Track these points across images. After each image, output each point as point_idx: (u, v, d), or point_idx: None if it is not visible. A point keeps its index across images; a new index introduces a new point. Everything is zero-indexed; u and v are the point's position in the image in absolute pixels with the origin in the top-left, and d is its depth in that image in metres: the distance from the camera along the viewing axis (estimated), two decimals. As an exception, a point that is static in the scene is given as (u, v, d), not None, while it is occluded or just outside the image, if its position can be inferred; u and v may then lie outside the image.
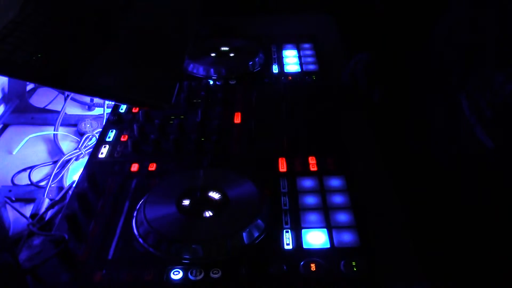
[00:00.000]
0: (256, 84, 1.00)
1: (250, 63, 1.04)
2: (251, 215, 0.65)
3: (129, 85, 0.77)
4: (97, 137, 0.88)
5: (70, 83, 0.74)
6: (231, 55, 1.08)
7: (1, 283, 0.52)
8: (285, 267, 0.60)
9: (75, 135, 1.01)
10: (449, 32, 0.88)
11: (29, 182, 0.88)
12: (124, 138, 0.85)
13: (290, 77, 1.02)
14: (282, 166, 0.76)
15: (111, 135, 0.86)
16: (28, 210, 0.82)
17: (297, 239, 0.64)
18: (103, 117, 1.03)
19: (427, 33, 0.94)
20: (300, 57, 1.09)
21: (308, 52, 1.11)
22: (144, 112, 0.89)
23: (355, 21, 1.19)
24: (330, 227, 0.65)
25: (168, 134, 0.84)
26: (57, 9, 0.88)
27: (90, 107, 1.11)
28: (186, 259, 0.61)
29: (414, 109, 0.94)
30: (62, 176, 0.89)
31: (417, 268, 0.60)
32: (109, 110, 0.98)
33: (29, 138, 1.00)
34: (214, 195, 0.69)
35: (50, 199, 0.83)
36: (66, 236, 0.64)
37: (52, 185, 0.86)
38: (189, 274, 0.59)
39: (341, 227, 0.65)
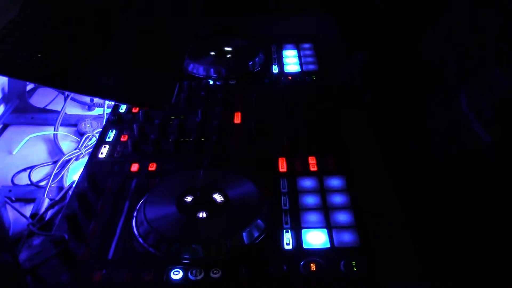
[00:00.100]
0: (256, 84, 1.00)
1: (250, 63, 1.04)
2: (251, 215, 0.65)
3: (129, 85, 0.77)
4: (97, 137, 0.88)
5: (70, 83, 0.74)
6: (231, 55, 1.08)
7: (1, 283, 0.52)
8: (285, 267, 0.60)
9: (75, 135, 1.01)
10: (449, 32, 0.88)
11: (29, 182, 0.89)
12: (124, 138, 0.85)
13: (290, 77, 1.02)
14: (282, 166, 0.76)
15: (111, 135, 0.86)
16: (28, 210, 0.82)
17: (297, 239, 0.64)
18: (103, 117, 1.03)
19: (427, 33, 0.94)
20: (300, 57, 1.09)
21: (308, 52, 1.11)
22: (144, 112, 0.89)
23: (355, 21, 1.19)
24: (330, 227, 0.65)
25: (168, 134, 0.84)
26: (57, 9, 0.88)
27: (90, 107, 1.11)
28: (186, 259, 0.61)
29: (413, 108, 0.94)
30: (62, 176, 0.89)
31: (417, 268, 0.61)
32: (109, 110, 0.98)
33: (29, 138, 1.00)
34: (214, 195, 0.69)
35: (50, 199, 0.83)
36: (66, 236, 0.64)
37: (52, 185, 0.86)
38: (189, 274, 0.59)
39: (341, 227, 0.65)
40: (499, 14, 0.76)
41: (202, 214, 0.66)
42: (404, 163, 0.84)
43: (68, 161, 0.92)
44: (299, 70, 1.04)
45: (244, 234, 0.63)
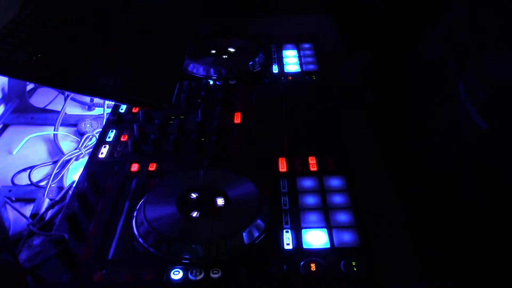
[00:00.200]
0: (256, 84, 1.00)
1: (250, 63, 1.04)
2: (251, 215, 0.65)
3: (129, 85, 0.77)
4: (97, 137, 0.88)
5: (70, 83, 0.74)
6: (231, 55, 1.08)
7: (1, 283, 0.52)
8: (285, 267, 0.60)
9: (75, 135, 1.01)
10: (449, 32, 0.88)
11: (29, 182, 0.89)
12: (124, 138, 0.85)
13: (290, 77, 1.02)
14: (282, 166, 0.76)
15: (111, 135, 0.86)
16: (28, 210, 0.82)
17: (297, 239, 0.64)
18: (103, 117, 1.03)
19: (427, 33, 0.94)
20: (300, 57, 1.09)
21: (308, 52, 1.11)
22: (144, 112, 0.89)
23: (355, 21, 1.19)
24: (330, 227, 0.65)
25: (168, 134, 0.84)
26: (57, 9, 0.88)
27: (90, 107, 1.11)
28: (186, 259, 0.61)
29: (413, 108, 0.94)
30: (62, 176, 0.89)
31: (417, 268, 0.61)
32: (109, 110, 0.98)
33: (29, 138, 1.00)
34: (214, 195, 0.69)
35: (50, 199, 0.83)
36: (66, 236, 0.64)
37: (52, 185, 0.86)
38: (189, 274, 0.59)
39: (341, 227, 0.65)
40: (499, 14, 0.76)
41: (202, 214, 0.66)
42: (404, 163, 0.84)
43: (68, 161, 0.92)
44: (299, 70, 1.04)
45: (244, 234, 0.63)
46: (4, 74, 0.81)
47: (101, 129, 0.89)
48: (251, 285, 0.58)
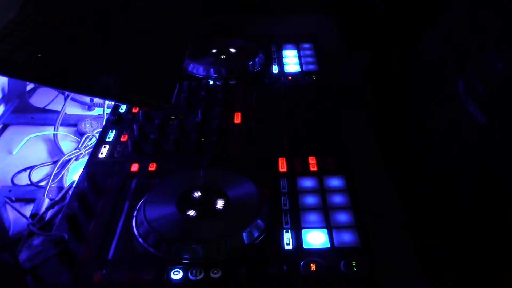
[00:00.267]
0: (256, 84, 1.00)
1: (250, 63, 1.04)
2: (251, 215, 0.65)
3: (129, 85, 0.77)
4: (97, 137, 0.88)
5: (70, 83, 0.74)
6: (231, 55, 1.08)
7: (1, 283, 0.52)
8: (285, 267, 0.60)
9: (75, 135, 1.01)
10: (449, 32, 0.88)
11: (29, 182, 0.89)
12: (124, 138, 0.85)
13: (290, 77, 1.02)
14: (282, 166, 0.76)
15: (111, 135, 0.86)
16: (28, 210, 0.82)
17: (297, 239, 0.64)
18: (103, 117, 1.03)
19: (427, 33, 0.94)
20: (300, 57, 1.09)
21: (308, 52, 1.11)
22: (144, 112, 0.89)
23: (355, 21, 1.19)
24: (330, 227, 0.65)
25: (168, 134, 0.84)
26: (57, 9, 0.88)
27: (90, 107, 1.11)
28: (186, 259, 0.61)
29: (413, 108, 0.94)
30: (62, 176, 0.89)
31: (417, 268, 0.60)
32: (109, 110, 0.98)
33: (29, 138, 1.00)
34: (214, 195, 0.69)
35: (50, 199, 0.83)
36: (66, 236, 0.64)
37: (52, 185, 0.86)
38: (189, 274, 0.59)
39: (341, 227, 0.65)
40: (499, 14, 0.76)
41: (202, 214, 0.66)
42: (404, 163, 0.84)
43: (68, 161, 0.92)
44: (299, 70, 1.04)
45: (244, 234, 0.63)
46: (4, 74, 0.81)
47: (101, 129, 0.89)
48: (251, 285, 0.58)
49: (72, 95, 1.10)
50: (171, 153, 0.81)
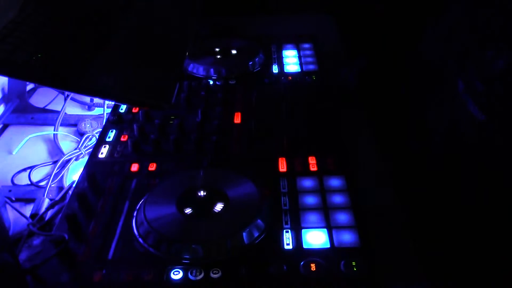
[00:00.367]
0: (256, 84, 1.00)
1: (250, 63, 1.04)
2: (251, 215, 0.65)
3: (129, 85, 0.77)
4: (97, 137, 0.88)
5: (70, 83, 0.74)
6: (231, 55, 1.08)
7: (1, 283, 0.52)
8: (285, 267, 0.60)
9: (75, 135, 1.01)
10: (449, 32, 0.88)
11: (29, 182, 0.88)
12: (124, 138, 0.85)
13: (290, 77, 1.02)
14: (282, 166, 0.76)
15: (111, 135, 0.86)
16: (28, 210, 0.82)
17: (297, 239, 0.64)
18: (103, 117, 1.03)
19: (427, 33, 0.94)
20: (300, 57, 1.09)
21: (308, 52, 1.11)
22: (144, 112, 0.89)
23: (355, 21, 1.19)
24: (330, 227, 0.65)
25: (168, 134, 0.84)
26: (57, 9, 0.88)
27: (90, 107, 1.11)
28: (186, 259, 0.61)
29: (413, 108, 0.94)
30: (62, 176, 0.89)
31: (417, 268, 0.60)
32: (109, 110, 0.98)
33: (29, 138, 1.00)
34: (214, 195, 0.69)
35: (50, 199, 0.83)
36: (66, 236, 0.64)
37: (52, 185, 0.86)
38: (189, 274, 0.59)
39: (341, 227, 0.65)
40: (499, 14, 0.76)
41: (202, 214, 0.66)
42: (404, 163, 0.84)
43: (68, 161, 0.92)
44: (299, 70, 1.04)
45: (244, 234, 0.63)
46: (4, 74, 0.81)
47: (101, 129, 0.89)
48: (251, 285, 0.58)
49: (72, 95, 1.10)
50: (171, 153, 0.81)
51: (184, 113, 0.91)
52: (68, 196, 0.80)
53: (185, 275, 0.59)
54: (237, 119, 0.89)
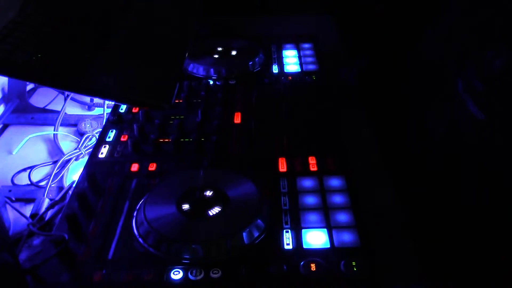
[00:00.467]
0: (256, 84, 1.00)
1: (250, 63, 1.04)
2: (251, 215, 0.65)
3: (129, 85, 0.77)
4: (97, 137, 0.88)
5: (70, 83, 0.74)
6: (231, 55, 1.08)
7: (1, 283, 0.52)
8: (285, 267, 0.60)
9: (75, 135, 1.01)
10: (449, 32, 0.88)
11: (29, 182, 0.89)
12: (124, 138, 0.85)
13: (290, 77, 1.01)
14: (282, 166, 0.76)
15: (111, 135, 0.86)
16: (28, 210, 0.82)
17: (297, 239, 0.64)
18: (103, 117, 1.03)
19: (427, 33, 0.94)
20: (300, 57, 1.09)
21: (308, 52, 1.11)
22: (144, 112, 0.89)
23: (355, 21, 1.19)
24: (330, 227, 0.65)
25: (168, 134, 0.84)
26: (57, 9, 0.88)
27: (90, 107, 1.11)
28: (186, 259, 0.61)
29: (413, 108, 0.94)
30: (62, 176, 0.89)
31: (417, 268, 0.60)
32: (109, 110, 0.98)
33: (29, 138, 1.00)
34: (214, 195, 0.69)
35: (50, 199, 0.83)
36: (66, 236, 0.64)
37: (52, 185, 0.86)
38: (189, 274, 0.59)
39: (341, 227, 0.65)
40: (499, 14, 0.76)
41: (202, 214, 0.66)
42: (404, 163, 0.84)
43: (68, 161, 0.92)
44: (299, 70, 1.04)
45: (244, 234, 0.63)
46: (4, 74, 0.81)
47: (101, 129, 0.89)
48: (251, 285, 0.58)
49: (72, 95, 1.10)
50: (171, 153, 0.81)
51: (184, 113, 0.91)
52: (68, 196, 0.80)
53: (185, 275, 0.59)
54: (237, 119, 0.89)
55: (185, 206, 0.68)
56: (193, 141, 0.82)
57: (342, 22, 1.22)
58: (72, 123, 1.05)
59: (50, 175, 0.88)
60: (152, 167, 0.78)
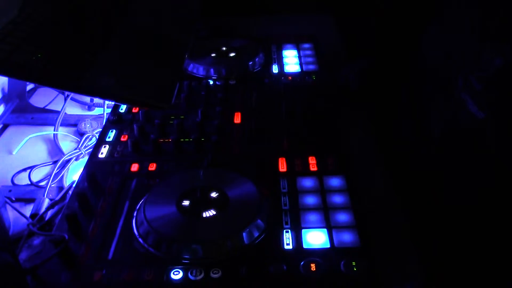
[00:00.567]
0: (256, 84, 1.00)
1: (250, 63, 1.04)
2: (251, 215, 0.65)
3: (129, 85, 0.77)
4: (97, 137, 0.88)
5: (70, 83, 0.74)
6: (231, 55, 1.08)
7: (1, 283, 0.52)
8: (285, 267, 0.60)
9: (75, 135, 1.01)
10: (449, 32, 0.88)
11: (29, 182, 0.89)
12: (124, 138, 0.85)
13: (290, 77, 1.02)
14: (282, 166, 0.76)
15: (111, 135, 0.86)
16: (28, 210, 0.82)
17: (297, 239, 0.64)
18: (103, 117, 1.03)
19: (426, 33, 0.94)
20: (300, 57, 1.09)
21: (308, 52, 1.11)
22: (144, 112, 0.89)
23: (355, 21, 1.19)
24: (330, 227, 0.65)
25: (168, 134, 0.84)
26: (57, 9, 0.88)
27: (90, 107, 1.11)
28: (186, 259, 0.61)
29: (413, 108, 0.94)
30: (62, 176, 0.89)
31: (417, 268, 0.60)
32: (109, 110, 0.98)
33: (29, 138, 1.00)
34: (214, 195, 0.69)
35: (50, 199, 0.83)
36: (66, 236, 0.64)
37: (52, 185, 0.86)
38: (189, 274, 0.59)
39: (341, 227, 0.65)
40: (498, 15, 0.76)
41: (202, 214, 0.66)
42: (404, 163, 0.84)
43: (68, 161, 0.92)
44: (299, 70, 1.04)
45: (244, 234, 0.63)
46: (4, 74, 0.81)
47: (101, 129, 0.89)
48: (251, 285, 0.58)
49: (72, 95, 1.10)
50: (171, 153, 0.81)
51: (184, 113, 0.91)
52: (68, 196, 0.80)
53: (185, 275, 0.59)
54: (237, 119, 0.89)
55: (185, 206, 0.68)
56: (193, 141, 0.82)
57: (342, 22, 1.22)
58: (72, 123, 1.05)
59: (50, 175, 0.88)
60: (152, 167, 0.78)
